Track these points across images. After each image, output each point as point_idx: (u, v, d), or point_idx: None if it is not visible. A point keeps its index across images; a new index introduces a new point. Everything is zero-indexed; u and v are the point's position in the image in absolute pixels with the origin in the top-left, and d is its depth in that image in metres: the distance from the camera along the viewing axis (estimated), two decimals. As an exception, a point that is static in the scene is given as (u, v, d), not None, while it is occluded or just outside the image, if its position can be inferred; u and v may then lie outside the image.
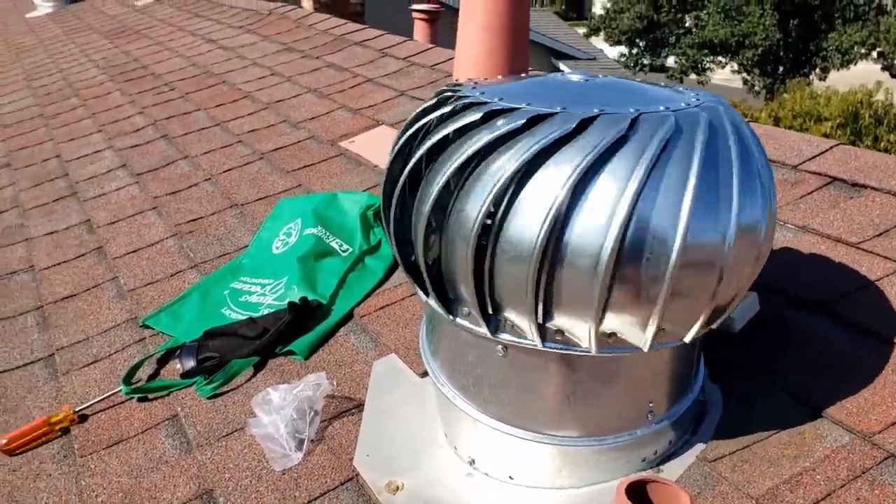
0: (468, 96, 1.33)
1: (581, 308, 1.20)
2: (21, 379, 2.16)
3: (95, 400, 1.96)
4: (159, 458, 1.76)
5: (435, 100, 1.39)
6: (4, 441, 1.86)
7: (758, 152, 1.28)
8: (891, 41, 22.14)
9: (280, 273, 2.32)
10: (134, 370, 2.03)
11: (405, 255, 1.42)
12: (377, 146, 3.17)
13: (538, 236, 1.15)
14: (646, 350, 1.24)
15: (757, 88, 23.61)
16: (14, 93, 5.79)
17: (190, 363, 2.00)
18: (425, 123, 1.36)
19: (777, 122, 12.10)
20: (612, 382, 1.35)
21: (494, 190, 1.18)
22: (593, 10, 32.16)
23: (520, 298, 1.22)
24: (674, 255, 1.14)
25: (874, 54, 23.21)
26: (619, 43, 26.11)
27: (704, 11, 24.19)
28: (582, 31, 26.91)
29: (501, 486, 1.47)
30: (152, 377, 2.04)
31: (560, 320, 1.24)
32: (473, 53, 2.91)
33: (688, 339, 1.28)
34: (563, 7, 38.51)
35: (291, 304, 2.06)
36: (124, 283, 2.54)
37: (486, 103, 1.27)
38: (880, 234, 1.91)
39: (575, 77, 1.42)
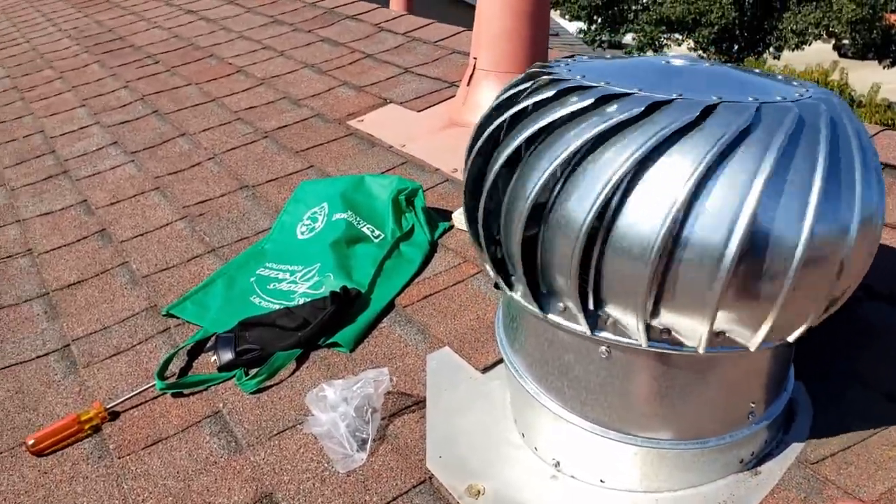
0: (568, 79, 1.25)
1: (696, 306, 1.13)
2: (37, 372, 2.03)
3: (127, 396, 1.84)
4: (206, 458, 1.65)
5: (530, 82, 1.31)
6: (32, 441, 1.74)
7: (868, 145, 1.23)
8: (843, 22, 22.52)
9: (310, 260, 2.22)
10: (167, 364, 1.92)
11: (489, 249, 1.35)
12: (389, 125, 3.06)
13: (658, 233, 1.08)
14: (753, 350, 1.19)
15: (713, 67, 23.80)
16: (-22, 62, 5.52)
17: (228, 356, 1.89)
18: (520, 107, 1.27)
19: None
20: (719, 383, 1.29)
21: (610, 184, 1.10)
22: (552, -15, 32.02)
23: (629, 294, 1.15)
24: (799, 252, 1.08)
25: (824, 35, 23.62)
26: (577, 18, 26.06)
27: (662, -12, 24.29)
28: (541, 6, 26.75)
29: (591, 490, 1.40)
30: (185, 370, 1.93)
31: (669, 318, 1.17)
32: (493, 32, 2.83)
33: (792, 338, 1.23)
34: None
35: (334, 293, 1.96)
36: (137, 269, 2.41)
37: (593, 87, 1.19)
38: (944, 222, 1.87)
39: (678, 62, 1.35)
